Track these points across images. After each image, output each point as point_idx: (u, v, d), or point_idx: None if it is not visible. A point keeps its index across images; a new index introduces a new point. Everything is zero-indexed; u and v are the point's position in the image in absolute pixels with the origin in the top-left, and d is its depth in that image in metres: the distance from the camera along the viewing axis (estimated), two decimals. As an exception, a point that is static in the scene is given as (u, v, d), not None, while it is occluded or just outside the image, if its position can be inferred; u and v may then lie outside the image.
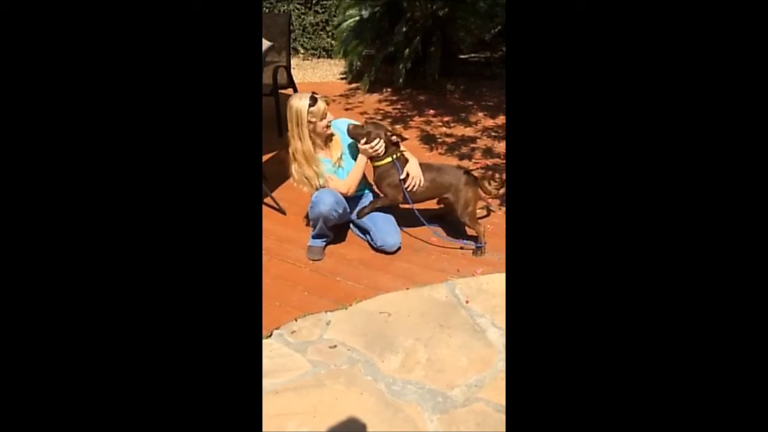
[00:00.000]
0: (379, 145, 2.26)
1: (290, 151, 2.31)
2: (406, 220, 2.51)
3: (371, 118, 4.10)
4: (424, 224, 2.37)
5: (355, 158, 2.40)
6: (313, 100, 2.24)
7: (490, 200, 2.61)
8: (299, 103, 2.23)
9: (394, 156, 2.31)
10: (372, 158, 2.33)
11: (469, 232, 2.41)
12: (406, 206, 2.40)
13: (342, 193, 2.32)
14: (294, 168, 2.32)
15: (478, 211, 2.42)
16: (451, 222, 2.51)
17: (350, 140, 2.41)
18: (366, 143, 2.26)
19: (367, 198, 2.53)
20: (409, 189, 2.30)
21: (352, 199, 2.48)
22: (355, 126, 2.32)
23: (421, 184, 2.32)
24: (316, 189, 2.31)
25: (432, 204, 2.53)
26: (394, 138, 2.30)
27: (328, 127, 2.33)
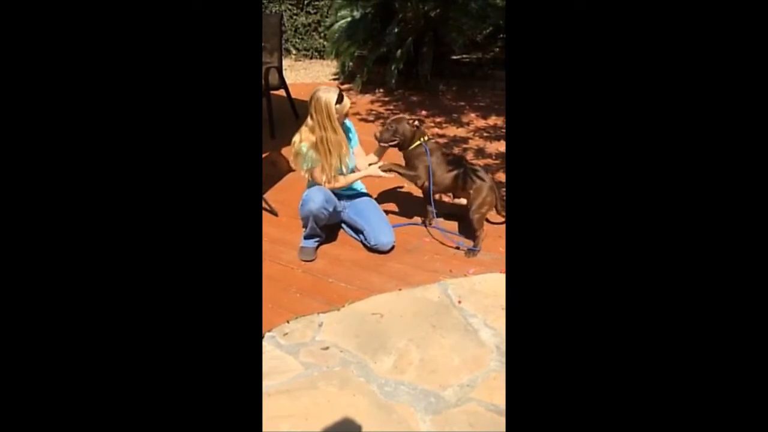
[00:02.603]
0: (384, 174, 2.39)
1: (306, 138, 2.32)
2: (398, 220, 2.51)
3: (364, 119, 4.11)
4: (433, 214, 2.43)
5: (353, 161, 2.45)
6: (340, 97, 2.28)
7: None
8: (327, 95, 2.26)
9: (423, 139, 2.40)
10: (400, 147, 2.42)
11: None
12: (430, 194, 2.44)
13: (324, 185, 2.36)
14: (305, 146, 2.32)
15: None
16: (456, 215, 2.54)
17: (355, 143, 2.44)
18: (390, 141, 2.39)
19: (362, 196, 2.53)
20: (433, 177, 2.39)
21: (345, 198, 2.49)
22: (382, 132, 2.40)
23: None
24: (309, 175, 2.38)
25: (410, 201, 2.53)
26: (416, 123, 2.40)
27: (341, 125, 2.38)
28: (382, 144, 2.41)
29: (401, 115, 2.45)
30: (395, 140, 2.39)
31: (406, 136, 2.39)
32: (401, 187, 2.93)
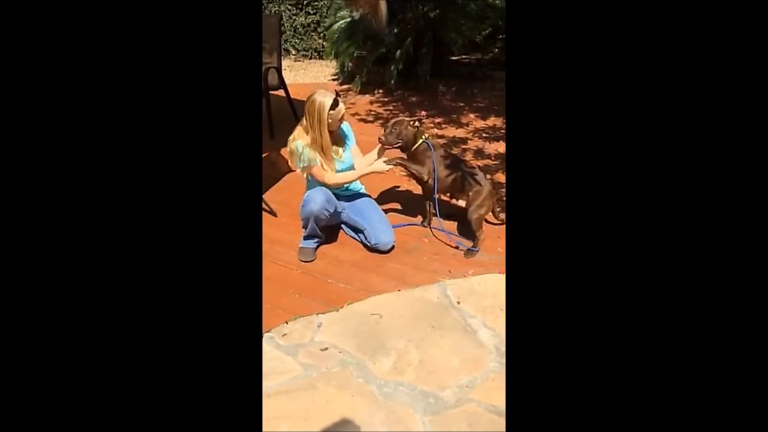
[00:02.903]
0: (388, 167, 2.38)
1: (301, 137, 2.33)
2: (398, 220, 2.51)
3: (363, 120, 4.11)
4: (436, 213, 2.43)
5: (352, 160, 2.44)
6: (336, 103, 2.28)
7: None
8: (323, 99, 2.27)
9: (424, 136, 2.43)
10: (404, 149, 2.43)
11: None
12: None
13: (322, 182, 2.36)
14: (299, 144, 2.32)
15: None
16: (456, 216, 2.54)
17: (352, 142, 2.44)
18: (395, 144, 2.40)
19: (361, 196, 2.53)
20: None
21: (344, 199, 2.49)
22: (386, 135, 2.41)
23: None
24: (304, 172, 2.38)
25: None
26: (416, 124, 2.42)
27: (338, 128, 2.39)
28: (386, 147, 2.41)
29: (400, 118, 2.46)
30: (399, 142, 2.40)
31: (409, 137, 2.40)
32: (401, 187, 2.94)
